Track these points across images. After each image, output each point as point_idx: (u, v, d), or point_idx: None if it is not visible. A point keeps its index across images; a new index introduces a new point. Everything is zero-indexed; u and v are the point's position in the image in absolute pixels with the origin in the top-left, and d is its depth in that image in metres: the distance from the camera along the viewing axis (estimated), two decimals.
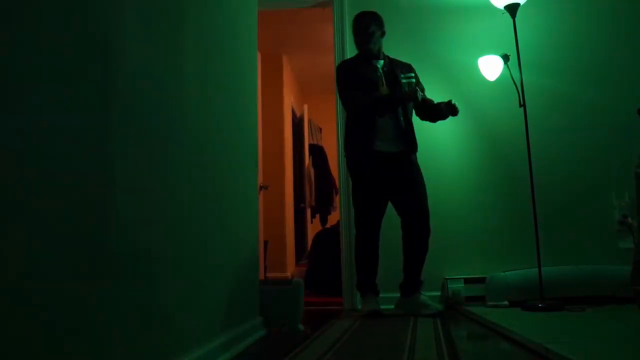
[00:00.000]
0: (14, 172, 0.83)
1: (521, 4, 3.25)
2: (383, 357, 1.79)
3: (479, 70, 3.48)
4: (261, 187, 3.67)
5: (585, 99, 3.57)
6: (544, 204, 3.26)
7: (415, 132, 3.17)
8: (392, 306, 3.08)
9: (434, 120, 3.22)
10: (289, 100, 6.36)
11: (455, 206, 3.52)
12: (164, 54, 1.47)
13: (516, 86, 3.21)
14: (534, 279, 3.04)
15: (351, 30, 3.21)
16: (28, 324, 0.85)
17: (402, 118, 3.05)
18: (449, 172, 3.57)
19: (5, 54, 0.83)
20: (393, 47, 3.43)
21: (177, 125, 1.55)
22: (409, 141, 3.06)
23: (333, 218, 5.93)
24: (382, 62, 3.14)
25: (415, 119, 3.23)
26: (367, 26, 3.08)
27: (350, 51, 3.49)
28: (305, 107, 6.74)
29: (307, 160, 6.55)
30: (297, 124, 6.71)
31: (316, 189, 6.37)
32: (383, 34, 3.14)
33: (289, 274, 5.61)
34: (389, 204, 3.09)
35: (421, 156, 3.16)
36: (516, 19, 3.25)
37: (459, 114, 3.14)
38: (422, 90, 3.18)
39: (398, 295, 3.07)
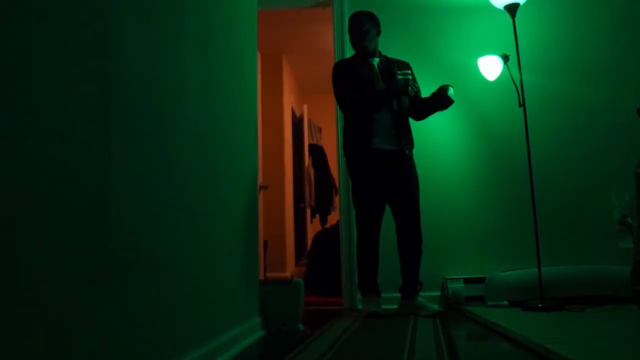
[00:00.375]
0: (14, 173, 0.83)
1: (521, 4, 3.25)
2: (383, 357, 1.79)
3: (478, 71, 3.48)
4: (261, 187, 3.67)
5: (585, 99, 3.57)
6: (543, 204, 3.26)
7: (415, 132, 3.18)
8: (393, 306, 3.09)
9: (427, 114, 3.19)
10: (288, 100, 6.36)
11: (455, 206, 3.52)
12: (163, 54, 1.47)
13: (516, 86, 3.21)
14: (533, 279, 3.04)
15: (348, 27, 3.22)
16: (28, 324, 0.85)
17: (397, 115, 3.05)
18: (449, 172, 3.57)
19: (5, 53, 0.82)
20: (393, 47, 3.43)
21: (177, 125, 1.55)
22: (406, 139, 3.06)
23: (333, 218, 5.92)
24: (377, 59, 3.15)
25: (417, 122, 3.24)
26: (362, 24, 3.11)
27: (350, 51, 3.49)
28: (305, 107, 6.74)
29: (307, 160, 6.55)
30: (297, 124, 6.71)
31: (316, 189, 6.37)
32: (378, 32, 3.16)
33: (288, 274, 5.61)
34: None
35: (421, 156, 3.17)
36: (516, 19, 3.25)
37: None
38: (417, 89, 3.18)
39: (398, 295, 3.08)
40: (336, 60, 3.67)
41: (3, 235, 0.80)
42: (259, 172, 3.26)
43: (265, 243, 4.86)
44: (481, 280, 3.30)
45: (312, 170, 6.41)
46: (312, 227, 6.78)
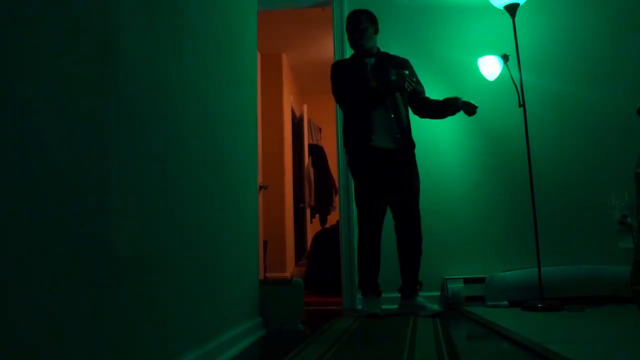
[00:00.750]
0: (14, 173, 0.83)
1: (521, 4, 3.25)
2: (383, 357, 1.79)
3: (478, 70, 3.48)
4: (261, 187, 3.67)
5: (585, 99, 3.57)
6: (543, 204, 3.26)
7: (415, 132, 3.17)
8: (393, 306, 3.09)
9: (438, 116, 3.21)
10: (288, 100, 6.36)
11: (454, 206, 3.52)
12: (163, 55, 1.46)
13: (516, 86, 3.21)
14: (533, 279, 3.04)
15: (345, 26, 3.22)
16: (28, 324, 0.85)
17: (394, 113, 3.05)
18: (449, 172, 3.57)
19: (5, 53, 0.82)
20: (393, 46, 3.43)
21: (177, 125, 1.55)
22: (406, 138, 3.06)
23: (333, 218, 5.93)
24: (373, 59, 3.15)
25: (414, 118, 3.23)
26: (360, 22, 3.11)
27: (350, 50, 3.49)
28: (305, 107, 6.74)
29: (307, 160, 6.55)
30: (297, 123, 6.71)
31: (316, 189, 6.37)
32: (376, 31, 3.16)
33: (288, 274, 5.61)
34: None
35: (421, 156, 3.16)
36: (516, 19, 3.25)
37: (459, 114, 3.14)
38: (420, 85, 3.19)
39: (398, 295, 3.08)
40: (336, 60, 3.67)
41: (2, 235, 0.80)
42: (259, 172, 3.26)
43: (265, 243, 4.86)
44: (481, 281, 3.30)
45: (311, 170, 6.41)
46: (312, 227, 6.78)
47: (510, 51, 3.28)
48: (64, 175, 0.97)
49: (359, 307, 3.23)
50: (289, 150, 6.27)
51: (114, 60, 1.18)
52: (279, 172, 5.87)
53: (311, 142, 6.90)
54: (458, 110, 3.09)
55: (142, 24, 1.33)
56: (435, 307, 3.04)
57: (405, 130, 3.07)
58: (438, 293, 3.38)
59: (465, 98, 3.08)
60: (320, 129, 7.46)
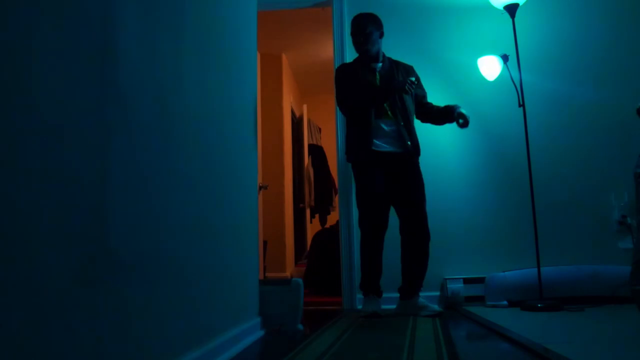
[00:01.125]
0: (13, 173, 0.83)
1: (520, 5, 3.25)
2: (383, 357, 1.79)
3: (478, 70, 3.48)
4: (260, 187, 3.67)
5: (585, 99, 3.57)
6: (543, 204, 3.26)
7: (416, 131, 3.17)
8: (393, 306, 3.09)
9: (438, 122, 3.22)
10: (288, 100, 6.36)
11: (454, 206, 3.52)
12: (162, 54, 1.46)
13: (515, 86, 3.21)
14: (533, 279, 3.04)
15: (350, 30, 3.20)
16: (27, 324, 0.85)
17: (401, 117, 3.05)
18: (448, 172, 3.57)
19: (4, 53, 0.82)
20: (393, 47, 3.43)
21: (177, 125, 1.54)
22: (411, 141, 3.05)
23: (332, 218, 5.93)
24: (380, 64, 3.14)
25: (417, 123, 3.24)
26: (365, 27, 3.08)
27: (350, 51, 3.49)
28: (305, 107, 6.74)
29: (307, 160, 6.55)
30: (297, 124, 6.71)
31: (315, 189, 6.37)
32: (381, 34, 3.13)
33: (288, 274, 5.61)
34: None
35: (421, 156, 3.16)
36: (515, 19, 3.26)
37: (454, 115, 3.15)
38: (423, 90, 3.19)
39: (398, 295, 3.08)
40: (335, 60, 3.67)
41: (1, 235, 0.80)
42: (259, 172, 3.26)
43: (265, 243, 4.86)
44: (481, 280, 3.30)
45: (311, 170, 6.41)
46: (312, 227, 6.78)
47: (510, 51, 3.29)
48: (64, 175, 0.97)
49: (359, 307, 3.23)
50: (289, 150, 6.26)
51: (114, 60, 1.18)
52: (279, 172, 5.86)
53: (311, 142, 6.90)
54: (455, 119, 3.09)
55: (142, 24, 1.33)
56: (436, 307, 3.04)
57: (410, 133, 3.06)
58: (438, 293, 3.38)
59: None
60: (320, 129, 7.46)
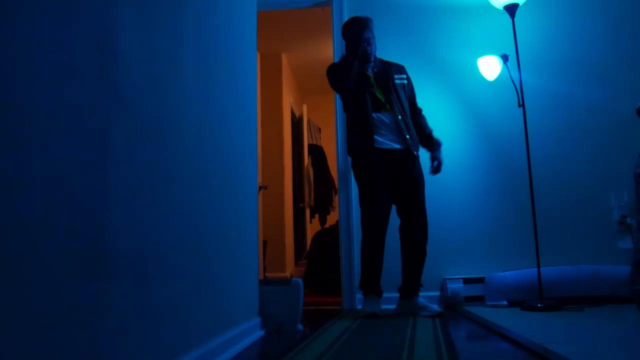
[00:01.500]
0: (12, 172, 0.83)
1: (520, 5, 3.25)
2: (382, 357, 1.79)
3: (478, 70, 3.48)
4: (260, 187, 3.67)
5: (585, 99, 3.57)
6: (543, 204, 3.26)
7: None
8: (393, 306, 3.09)
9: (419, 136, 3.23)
10: (288, 100, 6.36)
11: (454, 206, 3.52)
12: (162, 54, 1.46)
13: (515, 86, 3.21)
14: (533, 279, 3.04)
15: (352, 28, 3.19)
16: (27, 324, 0.85)
17: (401, 115, 3.05)
18: (448, 171, 3.56)
19: (4, 54, 0.82)
20: (392, 47, 3.43)
21: (177, 125, 1.54)
22: (413, 138, 3.06)
23: (332, 218, 5.92)
24: (372, 64, 3.15)
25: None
26: (371, 29, 3.11)
27: None
28: (305, 107, 6.74)
29: (306, 160, 6.55)
30: (296, 124, 6.71)
31: (315, 189, 6.37)
32: (374, 39, 3.17)
33: (288, 274, 5.61)
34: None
35: (420, 156, 3.16)
36: (515, 19, 3.25)
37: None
38: (413, 91, 3.20)
39: (397, 295, 3.08)
40: (335, 60, 3.67)
41: (1, 235, 0.80)
42: (259, 172, 3.26)
43: (265, 243, 4.86)
44: (481, 280, 3.30)
45: (311, 170, 6.41)
46: (312, 227, 6.78)
47: (510, 51, 3.29)
48: (63, 175, 0.97)
49: (359, 307, 3.22)
50: (289, 150, 6.26)
51: (113, 60, 1.18)
52: (279, 172, 5.86)
53: (311, 142, 6.89)
54: (431, 157, 3.15)
55: (141, 24, 1.33)
56: (436, 307, 3.04)
57: (409, 130, 3.07)
58: (438, 293, 3.38)
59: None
60: (319, 129, 7.46)
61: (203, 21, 1.86)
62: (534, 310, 2.82)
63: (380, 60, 3.21)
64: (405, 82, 3.17)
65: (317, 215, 6.55)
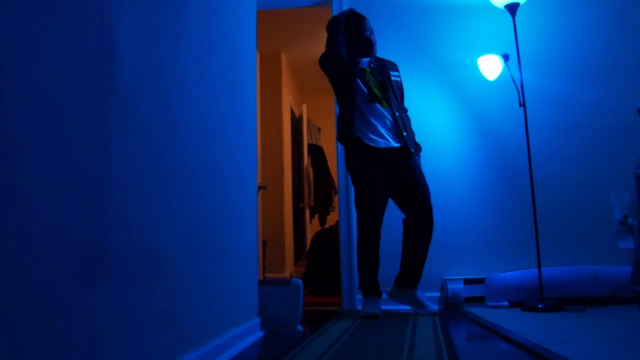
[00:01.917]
0: (12, 172, 0.82)
1: (521, 4, 3.24)
2: (382, 357, 1.78)
3: (478, 70, 3.48)
4: (260, 187, 3.66)
5: (585, 98, 3.56)
6: (543, 204, 3.25)
7: (416, 131, 3.16)
8: (392, 306, 3.08)
9: None
10: (287, 100, 6.35)
11: (454, 206, 3.51)
12: (162, 54, 1.45)
13: (516, 86, 3.20)
14: (534, 280, 3.03)
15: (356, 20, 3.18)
16: (26, 324, 0.84)
17: (398, 111, 3.04)
18: (448, 171, 3.56)
19: (4, 54, 0.81)
20: (392, 46, 3.42)
21: (176, 125, 1.53)
22: (407, 133, 3.04)
23: (332, 218, 5.92)
24: (368, 59, 3.14)
25: (414, 118, 3.22)
26: (369, 29, 3.11)
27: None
28: (304, 107, 6.73)
29: (306, 160, 6.54)
30: (296, 123, 6.70)
31: (315, 189, 6.36)
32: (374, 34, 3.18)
33: (287, 275, 5.60)
34: (390, 204, 3.07)
35: (421, 155, 3.15)
36: (516, 18, 3.25)
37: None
38: (402, 89, 3.20)
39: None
40: None
41: (1, 235, 0.79)
42: (258, 172, 3.25)
43: (264, 243, 4.85)
44: (481, 281, 3.29)
45: (311, 170, 6.40)
46: (311, 228, 6.77)
47: (511, 50, 3.28)
48: (63, 175, 0.96)
49: (359, 307, 3.21)
50: (288, 150, 6.26)
51: (113, 60, 1.17)
52: (278, 172, 5.85)
53: (310, 142, 6.89)
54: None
55: (141, 24, 1.32)
56: (436, 307, 3.03)
57: (407, 127, 3.06)
58: (438, 294, 3.37)
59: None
60: (319, 129, 7.45)
61: (203, 21, 1.85)
62: (535, 311, 2.81)
63: (376, 57, 3.20)
64: (399, 79, 3.17)
65: (316, 216, 6.54)
